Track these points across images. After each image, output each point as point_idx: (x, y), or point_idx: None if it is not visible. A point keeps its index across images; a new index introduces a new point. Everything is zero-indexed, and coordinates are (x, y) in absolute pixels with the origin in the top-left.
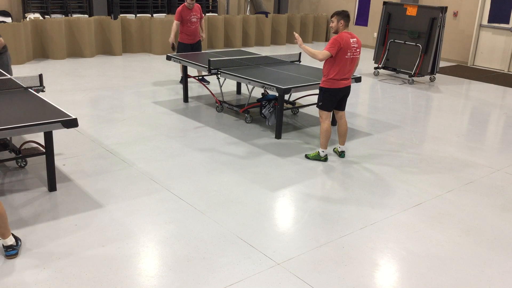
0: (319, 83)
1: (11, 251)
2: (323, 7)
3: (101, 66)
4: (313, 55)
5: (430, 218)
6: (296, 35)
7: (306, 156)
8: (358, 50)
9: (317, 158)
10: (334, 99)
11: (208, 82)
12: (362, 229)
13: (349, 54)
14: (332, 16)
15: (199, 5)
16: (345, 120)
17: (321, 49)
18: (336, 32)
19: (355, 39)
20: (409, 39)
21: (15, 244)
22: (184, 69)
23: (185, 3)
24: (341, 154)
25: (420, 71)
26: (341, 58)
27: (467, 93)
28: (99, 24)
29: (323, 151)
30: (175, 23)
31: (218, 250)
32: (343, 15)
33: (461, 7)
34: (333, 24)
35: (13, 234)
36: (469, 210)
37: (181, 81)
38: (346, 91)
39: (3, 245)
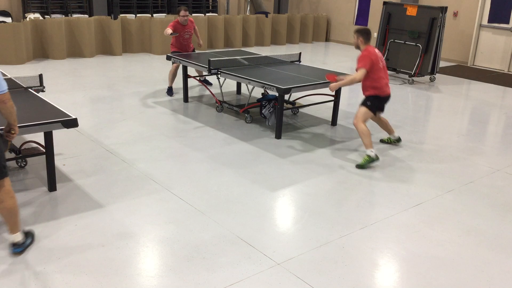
0: (319, 83)
1: (16, 249)
2: (323, 7)
3: (101, 66)
4: (352, 82)
5: (430, 218)
6: (332, 86)
7: (359, 166)
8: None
9: (370, 161)
10: (381, 104)
11: (210, 84)
12: (362, 229)
13: (381, 64)
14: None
15: (192, 20)
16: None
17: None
18: (357, 47)
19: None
20: (409, 39)
21: (22, 241)
22: (184, 69)
23: (178, 18)
24: (398, 140)
25: (420, 71)
26: (377, 69)
27: (467, 93)
28: (99, 24)
29: (371, 151)
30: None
31: (218, 250)
32: (361, 32)
33: (461, 7)
34: (354, 40)
35: (27, 231)
36: (469, 210)
37: (168, 92)
38: (389, 98)
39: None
